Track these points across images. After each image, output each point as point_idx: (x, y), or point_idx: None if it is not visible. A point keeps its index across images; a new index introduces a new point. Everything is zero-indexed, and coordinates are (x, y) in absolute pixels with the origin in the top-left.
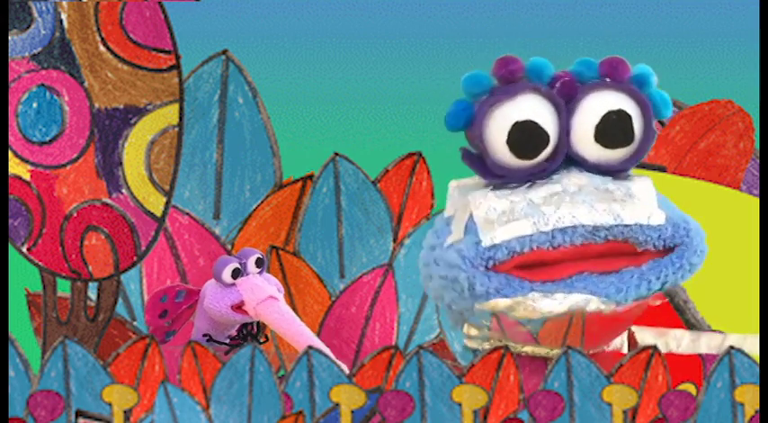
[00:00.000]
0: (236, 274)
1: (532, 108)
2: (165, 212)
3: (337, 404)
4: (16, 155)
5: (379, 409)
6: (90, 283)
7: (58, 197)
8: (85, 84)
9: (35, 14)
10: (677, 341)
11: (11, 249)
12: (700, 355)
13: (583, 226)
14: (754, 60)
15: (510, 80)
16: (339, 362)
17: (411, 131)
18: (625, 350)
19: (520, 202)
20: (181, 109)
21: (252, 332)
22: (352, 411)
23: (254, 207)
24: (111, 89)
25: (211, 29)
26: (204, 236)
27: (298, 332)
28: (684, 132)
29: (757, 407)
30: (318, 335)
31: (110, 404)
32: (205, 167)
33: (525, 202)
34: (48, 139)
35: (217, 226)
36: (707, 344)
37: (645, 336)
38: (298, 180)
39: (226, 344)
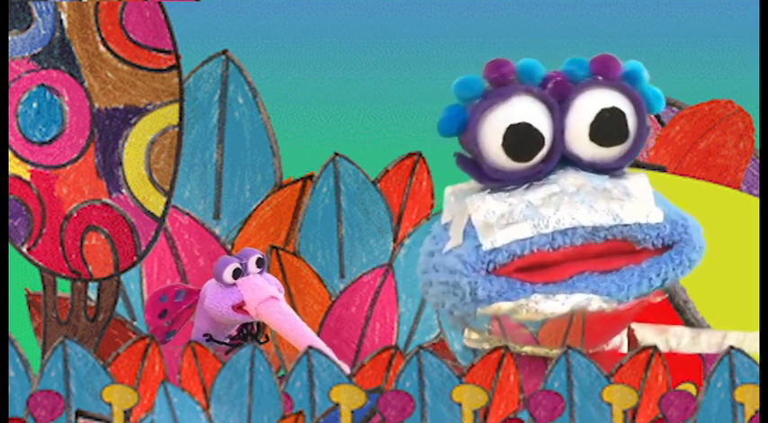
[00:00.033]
0: (237, 274)
1: (526, 110)
2: (165, 212)
3: (337, 404)
4: (16, 155)
5: (379, 409)
6: (90, 283)
7: (58, 197)
8: (85, 84)
9: (35, 14)
10: (677, 339)
11: (11, 249)
12: (700, 355)
13: (583, 227)
14: (754, 60)
15: (502, 83)
16: (340, 362)
17: (411, 131)
18: (625, 348)
19: (518, 205)
20: (181, 109)
21: (252, 332)
22: (352, 411)
23: (254, 207)
24: (111, 89)
25: (211, 29)
26: (204, 236)
27: (299, 332)
28: (684, 132)
29: (757, 407)
30: (318, 335)
31: (110, 404)
32: (205, 167)
33: (524, 204)
34: (48, 139)
35: (217, 226)
36: (707, 341)
37: (645, 333)
38: (298, 180)
39: (226, 344)
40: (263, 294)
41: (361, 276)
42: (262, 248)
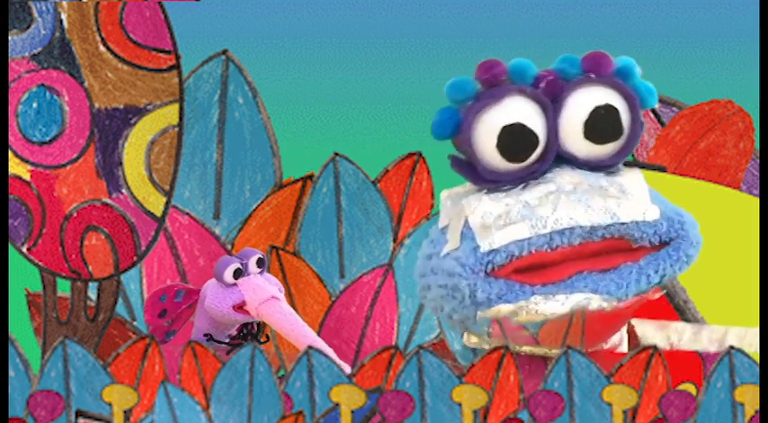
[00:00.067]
0: (238, 274)
1: (519, 110)
2: (165, 212)
3: (337, 404)
4: (16, 155)
5: (379, 409)
6: (90, 283)
7: (58, 197)
8: (85, 84)
9: (35, 14)
10: (679, 335)
11: (11, 249)
12: (700, 355)
13: (581, 227)
14: (754, 60)
15: (494, 84)
16: (341, 362)
17: (411, 131)
18: (625, 345)
19: (515, 205)
20: (181, 109)
21: (252, 332)
22: (352, 411)
23: (254, 207)
24: (111, 89)
25: (211, 29)
26: (204, 236)
27: (301, 333)
28: (684, 132)
29: (757, 407)
30: (318, 335)
31: (110, 404)
32: (205, 167)
33: (521, 204)
34: (48, 139)
35: (217, 226)
36: (708, 337)
37: (646, 329)
38: (298, 180)
39: (226, 343)
40: (264, 294)
41: (361, 276)
42: (262, 248)
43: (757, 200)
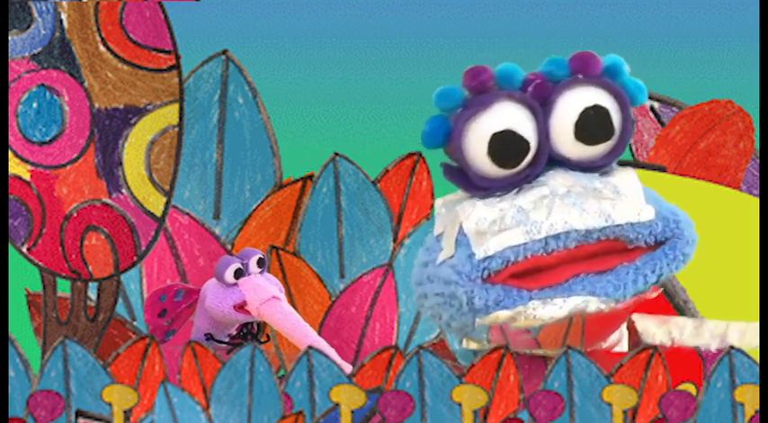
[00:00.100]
0: (239, 274)
1: (509, 116)
2: (165, 212)
3: (337, 404)
4: (16, 155)
5: (379, 409)
6: (90, 283)
7: (58, 197)
8: (85, 84)
9: (35, 14)
10: (680, 329)
11: (11, 249)
12: (700, 355)
13: (576, 231)
14: (754, 60)
15: (482, 90)
16: (342, 362)
17: (411, 131)
18: (625, 341)
19: (509, 210)
20: (181, 109)
21: (252, 331)
22: (352, 411)
23: (254, 207)
24: (111, 89)
25: (211, 29)
26: (204, 236)
27: (302, 332)
28: (684, 132)
29: (757, 407)
30: (318, 335)
31: (110, 404)
32: (205, 167)
33: (515, 208)
34: (48, 139)
35: (217, 226)
36: (710, 332)
37: (647, 324)
38: (298, 180)
39: (226, 343)
40: (266, 294)
41: (361, 276)
42: (262, 248)
43: (757, 200)
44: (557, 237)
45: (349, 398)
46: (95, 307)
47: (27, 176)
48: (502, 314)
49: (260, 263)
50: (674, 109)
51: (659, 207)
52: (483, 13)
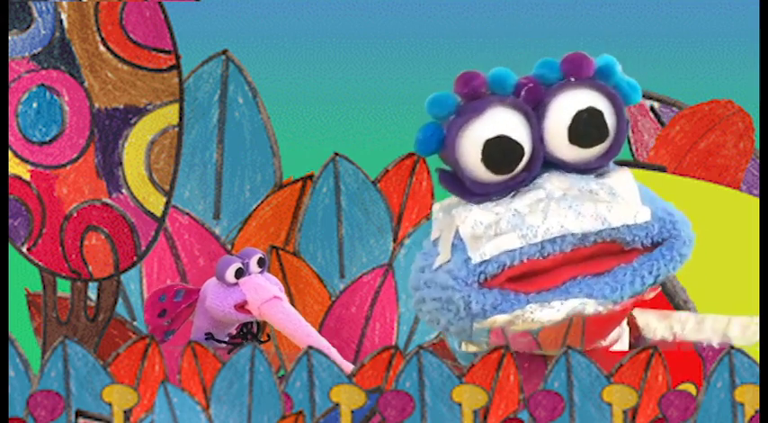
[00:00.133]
0: (239, 273)
1: (502, 121)
2: (165, 212)
3: (337, 404)
4: (16, 155)
5: (379, 409)
6: (90, 283)
7: (58, 197)
8: (85, 84)
9: (35, 14)
10: (682, 324)
11: (11, 249)
12: (700, 355)
13: (572, 234)
14: (754, 60)
15: (474, 96)
16: (344, 361)
17: (411, 131)
18: (625, 338)
19: (505, 214)
20: (181, 109)
21: (252, 331)
22: (352, 411)
23: (254, 207)
24: (111, 89)
25: (211, 29)
26: (204, 236)
27: (304, 332)
28: (684, 132)
29: (757, 407)
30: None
31: (110, 404)
32: (205, 167)
33: (510, 212)
34: (48, 139)
35: (217, 226)
36: (712, 327)
37: (648, 318)
38: (298, 180)
39: (226, 342)
40: (267, 294)
41: (361, 276)
42: (262, 248)
43: (757, 200)
44: (553, 240)
45: (349, 398)
46: (95, 307)
47: (27, 176)
48: (500, 318)
49: (260, 262)
50: (674, 109)
51: (655, 207)
52: (483, 14)
